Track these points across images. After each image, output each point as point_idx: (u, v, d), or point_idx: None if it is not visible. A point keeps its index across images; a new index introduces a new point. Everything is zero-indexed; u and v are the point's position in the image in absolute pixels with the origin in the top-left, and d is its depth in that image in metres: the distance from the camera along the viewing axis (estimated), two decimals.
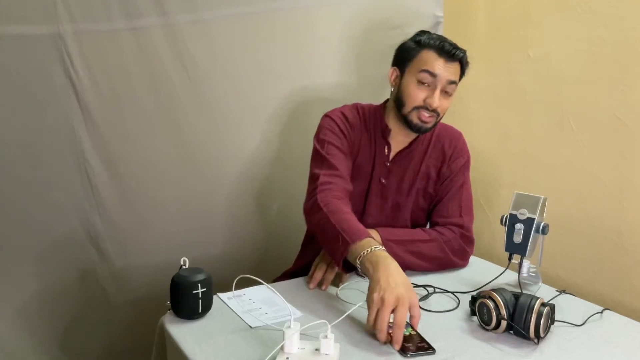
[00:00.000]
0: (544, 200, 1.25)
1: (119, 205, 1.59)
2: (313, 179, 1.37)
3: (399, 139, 1.47)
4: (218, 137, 1.68)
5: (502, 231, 1.29)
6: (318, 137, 1.44)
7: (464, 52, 1.39)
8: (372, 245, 1.13)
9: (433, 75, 1.34)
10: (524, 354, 1.03)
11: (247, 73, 1.67)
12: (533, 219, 1.24)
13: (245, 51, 1.66)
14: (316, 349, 0.96)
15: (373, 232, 1.34)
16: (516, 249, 1.26)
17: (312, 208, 1.30)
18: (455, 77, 1.38)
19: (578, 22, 1.57)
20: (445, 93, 1.37)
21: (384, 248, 1.14)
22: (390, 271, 1.06)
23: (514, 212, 1.27)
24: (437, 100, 1.35)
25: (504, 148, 1.83)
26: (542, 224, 1.25)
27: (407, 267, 1.32)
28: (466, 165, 1.52)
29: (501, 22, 1.80)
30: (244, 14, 1.62)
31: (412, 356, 1.00)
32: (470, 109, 1.93)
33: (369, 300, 1.04)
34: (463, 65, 1.40)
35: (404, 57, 1.42)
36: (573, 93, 1.60)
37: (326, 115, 1.47)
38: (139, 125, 1.57)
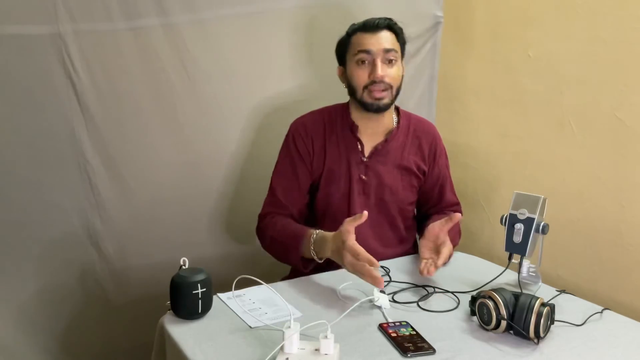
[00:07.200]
0: (544, 200, 1.25)
1: (119, 205, 1.59)
2: (264, 202, 1.52)
3: (369, 133, 1.49)
4: (218, 137, 1.68)
5: (502, 231, 1.29)
6: (279, 154, 1.52)
7: (390, 19, 1.42)
8: (310, 236, 1.32)
9: (367, 51, 1.38)
10: (524, 354, 1.03)
11: (247, 73, 1.67)
12: (533, 219, 1.24)
13: (246, 51, 1.65)
14: (316, 349, 0.96)
15: None
16: (516, 248, 1.26)
17: (260, 235, 1.50)
18: (390, 44, 1.40)
19: (578, 22, 1.57)
20: (388, 62, 1.39)
21: (314, 232, 1.32)
22: (328, 246, 1.26)
23: (514, 212, 1.27)
24: (379, 70, 1.38)
25: (504, 148, 1.83)
26: (542, 224, 1.25)
27: None
28: (447, 156, 1.60)
29: (501, 22, 1.80)
30: (244, 14, 1.62)
31: (412, 356, 1.00)
32: (470, 109, 1.93)
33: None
34: (395, 31, 1.43)
35: (341, 52, 1.48)
36: (573, 93, 1.60)
37: (287, 132, 1.52)
38: (139, 125, 1.57)
